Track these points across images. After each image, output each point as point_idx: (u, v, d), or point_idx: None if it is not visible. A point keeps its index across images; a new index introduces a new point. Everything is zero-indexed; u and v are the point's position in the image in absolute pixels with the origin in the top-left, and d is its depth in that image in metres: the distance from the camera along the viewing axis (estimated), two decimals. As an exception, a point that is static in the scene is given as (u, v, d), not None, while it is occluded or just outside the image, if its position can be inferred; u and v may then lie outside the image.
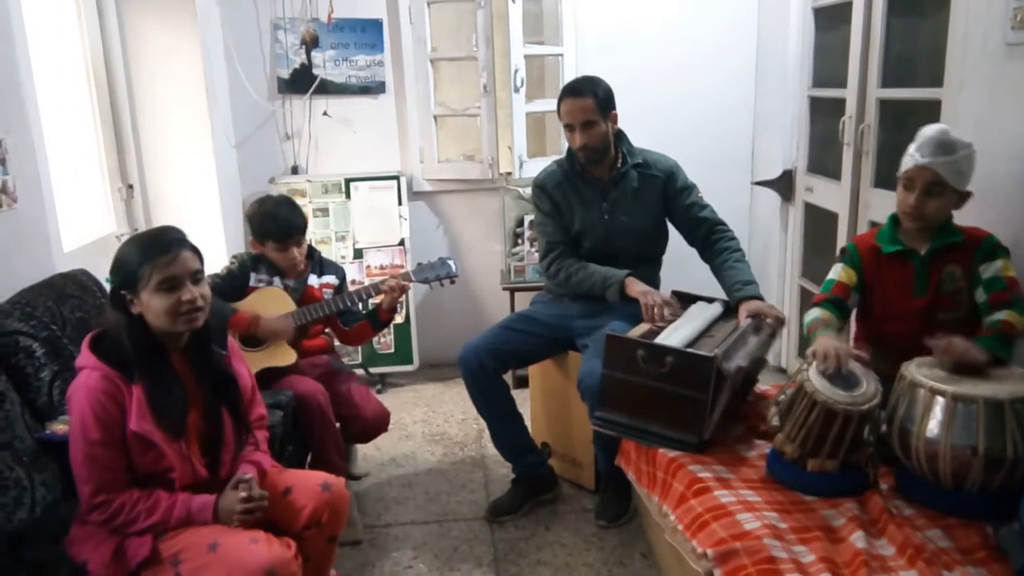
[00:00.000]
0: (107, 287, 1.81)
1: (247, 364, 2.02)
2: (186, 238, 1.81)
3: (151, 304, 1.72)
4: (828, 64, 3.35)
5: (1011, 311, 1.89)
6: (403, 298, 2.90)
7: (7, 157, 2.32)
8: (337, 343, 3.02)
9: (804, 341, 2.20)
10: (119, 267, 1.75)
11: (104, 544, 1.70)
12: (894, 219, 2.11)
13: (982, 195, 2.17)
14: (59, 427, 2.06)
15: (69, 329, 2.27)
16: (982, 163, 2.16)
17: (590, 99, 2.56)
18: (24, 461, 1.92)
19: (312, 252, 2.85)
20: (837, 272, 2.16)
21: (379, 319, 2.78)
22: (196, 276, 1.77)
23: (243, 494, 1.74)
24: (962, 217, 2.07)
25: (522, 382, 3.30)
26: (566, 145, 2.75)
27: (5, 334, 2.08)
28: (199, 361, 1.85)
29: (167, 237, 1.77)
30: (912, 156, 1.96)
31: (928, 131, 1.97)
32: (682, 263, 2.89)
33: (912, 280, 2.04)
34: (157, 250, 1.72)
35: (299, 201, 3.71)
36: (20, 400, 2.02)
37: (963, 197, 1.98)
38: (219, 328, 1.95)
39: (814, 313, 2.10)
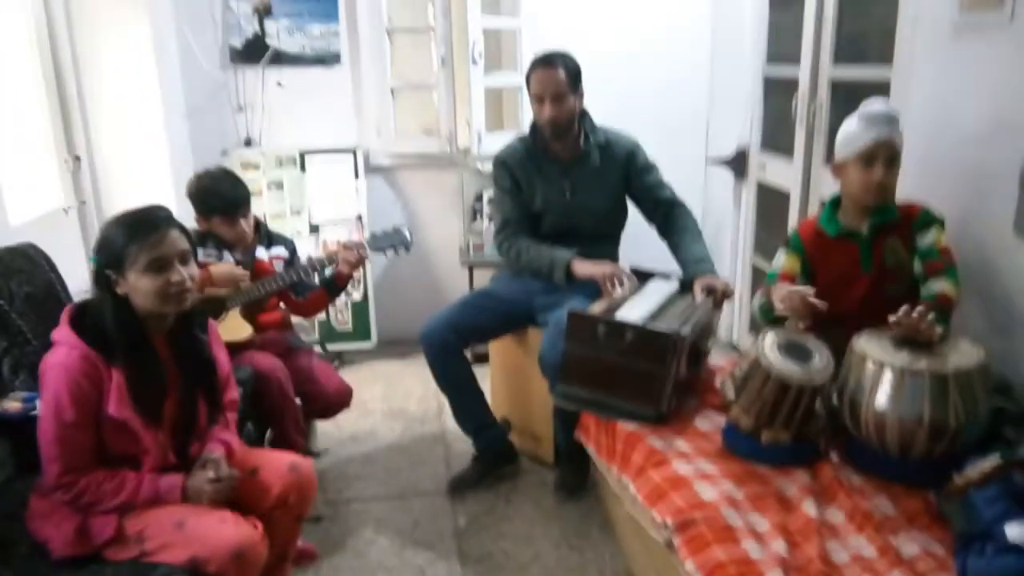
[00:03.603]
0: (91, 266, 1.75)
1: (225, 349, 1.99)
2: (173, 217, 1.76)
3: (138, 285, 1.67)
4: (783, 41, 3.40)
5: (945, 282, 1.96)
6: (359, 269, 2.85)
7: (-52, 128, 2.23)
8: (295, 319, 3.00)
9: (756, 321, 2.25)
10: (104, 246, 1.70)
11: (67, 521, 1.67)
12: (833, 203, 2.17)
13: (930, 173, 2.25)
14: (10, 404, 2.01)
15: (18, 303, 2.20)
16: (931, 142, 2.24)
17: (562, 71, 2.57)
18: (-26, 441, 1.88)
19: (259, 225, 2.81)
20: (779, 262, 2.23)
21: (336, 285, 2.74)
22: (184, 256, 1.73)
23: (211, 474, 1.73)
24: (909, 193, 2.14)
25: (482, 358, 3.32)
26: (528, 121, 2.74)
27: (-50, 310, 2.02)
28: (182, 346, 1.82)
29: (155, 216, 1.72)
30: (865, 132, 2.00)
31: (875, 106, 2.02)
32: (639, 240, 2.92)
33: (857, 259, 2.11)
34: (145, 230, 1.67)
35: (252, 174, 3.70)
36: (-32, 378, 1.98)
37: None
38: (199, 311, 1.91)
39: (761, 299, 2.18)
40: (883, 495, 1.76)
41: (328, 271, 2.74)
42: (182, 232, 1.74)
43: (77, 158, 3.29)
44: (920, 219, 2.05)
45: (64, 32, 3.18)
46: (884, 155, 2.00)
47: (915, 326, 1.80)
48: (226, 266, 2.57)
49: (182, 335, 1.82)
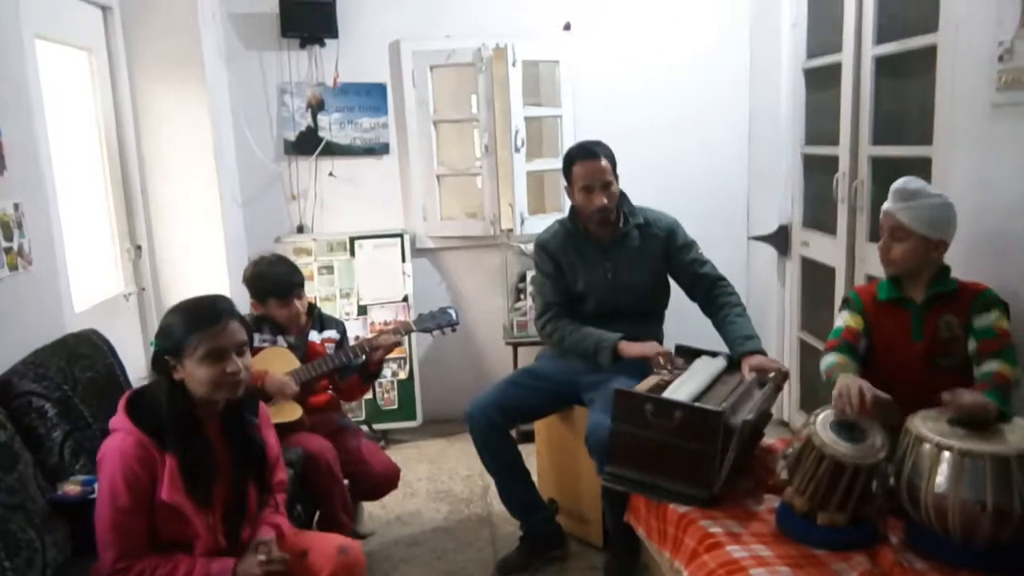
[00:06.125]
0: (151, 349, 1.83)
1: (275, 431, 2.04)
2: (235, 309, 1.82)
3: (195, 373, 1.74)
4: (820, 122, 3.45)
5: (1000, 361, 1.92)
6: (398, 351, 2.89)
7: (24, 221, 2.37)
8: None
9: (811, 393, 2.22)
10: (166, 332, 1.77)
11: (122, 606, 1.69)
12: None
13: (976, 250, 2.24)
14: (71, 488, 2.06)
15: (80, 389, 2.29)
16: (975, 219, 2.22)
17: (607, 161, 2.65)
18: (35, 522, 1.91)
19: (312, 308, 2.89)
20: (844, 319, 2.21)
21: (367, 371, 2.80)
22: (241, 348, 1.79)
23: (262, 557, 1.75)
24: (954, 268, 2.12)
25: (527, 437, 3.31)
26: (566, 204, 2.81)
27: (19, 395, 2.10)
28: (233, 430, 1.87)
29: (217, 308, 1.78)
30: (885, 204, 2.09)
31: (897, 181, 2.08)
32: (684, 318, 2.93)
33: (909, 326, 2.10)
34: (207, 321, 1.74)
35: (304, 259, 3.82)
36: (32, 460, 2.03)
37: (935, 246, 2.04)
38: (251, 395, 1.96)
39: (830, 359, 2.12)
40: (948, 580, 1.70)
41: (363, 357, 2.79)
42: (241, 323, 1.81)
43: (138, 247, 3.45)
44: (980, 300, 2.03)
45: (130, 129, 3.40)
46: (887, 227, 2.06)
47: (966, 406, 1.76)
48: (281, 378, 2.62)
49: (233, 418, 1.87)
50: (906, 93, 2.86)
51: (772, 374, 2.42)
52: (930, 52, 2.51)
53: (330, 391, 2.90)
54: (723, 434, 2.04)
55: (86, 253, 3.06)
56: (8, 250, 2.28)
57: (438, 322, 2.82)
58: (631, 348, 2.59)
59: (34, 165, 2.48)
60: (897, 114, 2.90)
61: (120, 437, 1.72)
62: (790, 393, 3.79)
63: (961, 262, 2.19)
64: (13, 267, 2.30)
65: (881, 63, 2.90)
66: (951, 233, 2.05)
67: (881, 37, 2.87)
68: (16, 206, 2.34)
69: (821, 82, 3.41)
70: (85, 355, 2.42)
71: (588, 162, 2.65)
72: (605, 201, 2.65)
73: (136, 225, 3.44)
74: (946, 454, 1.74)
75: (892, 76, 2.89)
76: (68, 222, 2.75)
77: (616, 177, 2.69)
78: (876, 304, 2.17)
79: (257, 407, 1.96)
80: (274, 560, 1.76)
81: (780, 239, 3.78)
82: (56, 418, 2.15)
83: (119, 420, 1.74)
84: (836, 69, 3.14)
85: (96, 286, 3.12)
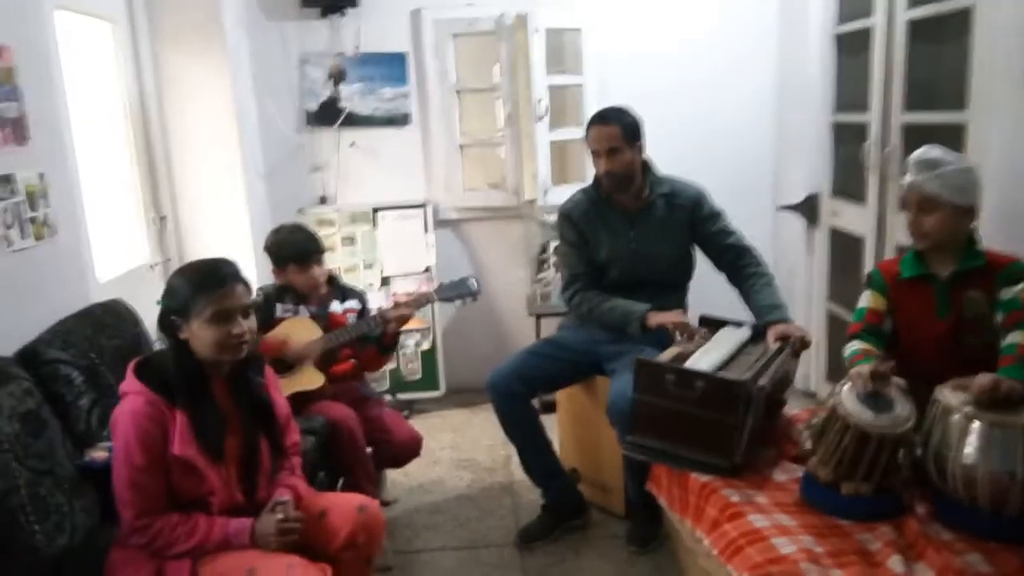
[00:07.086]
0: (157, 309, 1.86)
1: (282, 393, 2.05)
2: (240, 272, 1.84)
3: (200, 334, 1.76)
4: (850, 89, 3.37)
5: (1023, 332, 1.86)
6: (420, 322, 2.86)
7: (47, 191, 2.39)
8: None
9: (837, 364, 2.18)
10: (173, 293, 1.80)
11: (143, 569, 1.72)
12: None
13: (1010, 217, 2.18)
14: (98, 454, 2.09)
15: (106, 357, 2.32)
16: (1011, 186, 2.17)
17: (616, 127, 2.61)
18: (64, 488, 1.95)
19: (333, 279, 2.90)
20: (866, 299, 2.16)
21: (383, 343, 2.80)
22: (246, 310, 1.81)
23: (279, 516, 1.77)
24: (990, 239, 2.07)
25: (549, 407, 3.30)
26: (591, 173, 2.78)
27: (46, 363, 2.13)
28: (239, 388, 1.89)
29: (222, 270, 1.81)
30: (905, 178, 2.01)
31: (914, 153, 2.00)
32: (709, 288, 2.89)
33: (934, 304, 2.04)
34: (212, 283, 1.77)
35: (327, 230, 3.84)
36: (60, 427, 2.07)
37: (966, 212, 1.97)
38: (255, 355, 1.99)
39: (853, 346, 2.08)
40: (976, 552, 1.67)
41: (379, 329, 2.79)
42: (246, 287, 1.83)
43: (163, 217, 3.48)
44: (1007, 271, 1.96)
45: (153, 99, 3.40)
46: (914, 200, 1.98)
47: (985, 395, 1.73)
48: (301, 346, 2.65)
49: (239, 378, 1.90)
50: (940, 58, 2.77)
51: (792, 340, 2.38)
52: (966, 15, 2.43)
53: (352, 360, 2.92)
54: (744, 404, 2.02)
55: (112, 224, 3.09)
56: (33, 220, 2.31)
57: (459, 291, 2.81)
58: (658, 317, 2.57)
59: (57, 135, 2.49)
60: (930, 80, 2.82)
61: (130, 399, 1.75)
62: (816, 364, 3.75)
63: (997, 230, 2.14)
64: (39, 237, 2.33)
65: (915, 27, 2.81)
66: (979, 197, 1.99)
67: (915, 0, 2.78)
68: (41, 176, 2.36)
69: (852, 47, 3.32)
70: (111, 324, 2.45)
71: (596, 127, 2.64)
72: (609, 166, 2.62)
73: (160, 196, 3.47)
74: (976, 425, 1.71)
75: (926, 41, 2.80)
76: (94, 193, 2.77)
77: (632, 145, 2.63)
78: (899, 282, 2.11)
79: (262, 368, 1.99)
80: (290, 519, 1.78)
81: (808, 208, 3.72)
82: (83, 386, 2.18)
83: (128, 383, 1.78)
84: (868, 34, 3.06)
85: (122, 257, 3.15)
